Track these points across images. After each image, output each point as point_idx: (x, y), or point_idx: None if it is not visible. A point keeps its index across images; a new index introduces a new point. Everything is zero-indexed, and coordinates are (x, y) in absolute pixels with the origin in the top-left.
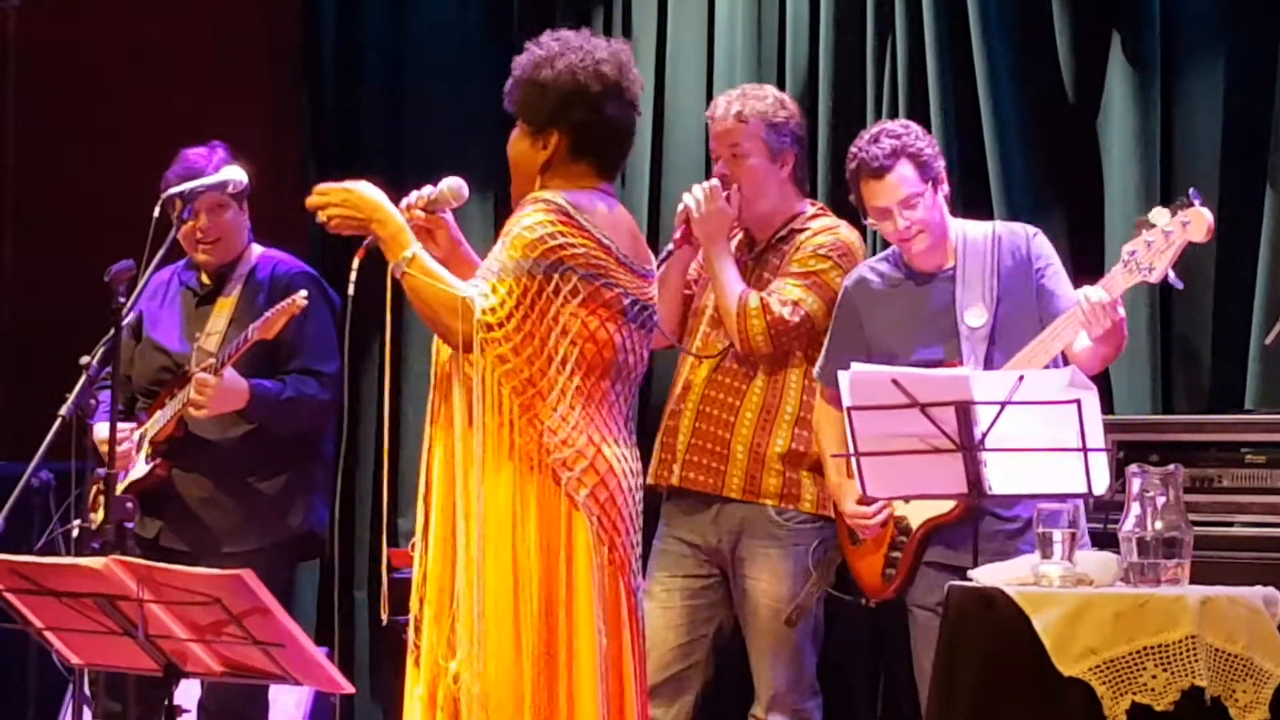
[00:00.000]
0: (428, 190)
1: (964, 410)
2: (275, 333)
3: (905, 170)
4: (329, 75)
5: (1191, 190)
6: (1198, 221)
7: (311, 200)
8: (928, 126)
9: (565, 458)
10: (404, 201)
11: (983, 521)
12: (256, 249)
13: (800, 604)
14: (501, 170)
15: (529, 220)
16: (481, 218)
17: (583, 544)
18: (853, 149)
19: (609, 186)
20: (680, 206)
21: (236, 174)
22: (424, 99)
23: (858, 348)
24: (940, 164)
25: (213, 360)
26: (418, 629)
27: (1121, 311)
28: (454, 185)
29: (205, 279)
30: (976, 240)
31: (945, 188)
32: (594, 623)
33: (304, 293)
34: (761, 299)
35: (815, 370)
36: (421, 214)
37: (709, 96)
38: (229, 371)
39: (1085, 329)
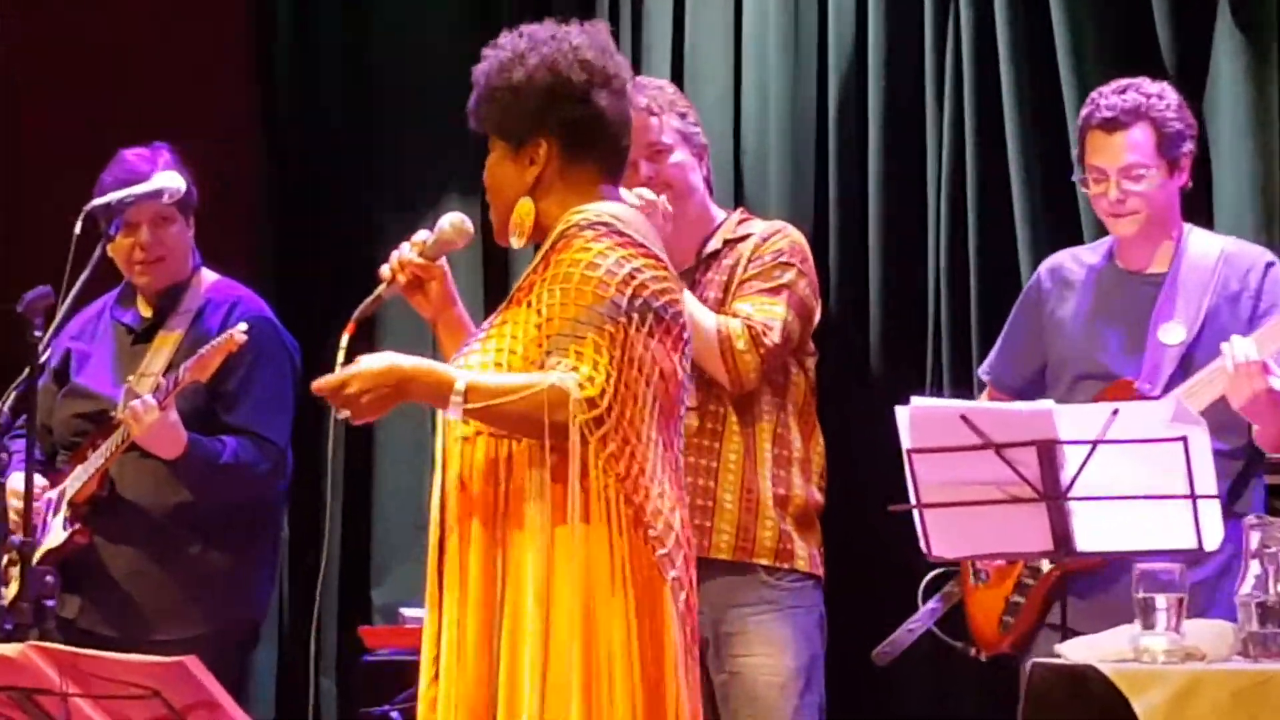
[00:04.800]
0: (423, 234)
1: (1048, 451)
2: (210, 373)
3: (1141, 135)
4: (284, 76)
5: None
6: None
7: (320, 392)
8: (999, 114)
9: (659, 533)
10: (395, 254)
11: (1116, 579)
12: (207, 275)
13: (894, 639)
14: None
15: (588, 256)
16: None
17: (671, 628)
18: (1093, 95)
19: (614, 190)
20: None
21: (173, 181)
22: (396, 102)
23: (1032, 352)
24: (1188, 148)
25: (157, 381)
26: None
27: (1275, 382)
28: (456, 222)
29: (144, 310)
30: (1201, 251)
31: (1186, 179)
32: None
33: (243, 326)
34: (747, 328)
35: (982, 369)
36: (419, 260)
37: (737, 92)
38: (173, 413)
39: (1229, 395)
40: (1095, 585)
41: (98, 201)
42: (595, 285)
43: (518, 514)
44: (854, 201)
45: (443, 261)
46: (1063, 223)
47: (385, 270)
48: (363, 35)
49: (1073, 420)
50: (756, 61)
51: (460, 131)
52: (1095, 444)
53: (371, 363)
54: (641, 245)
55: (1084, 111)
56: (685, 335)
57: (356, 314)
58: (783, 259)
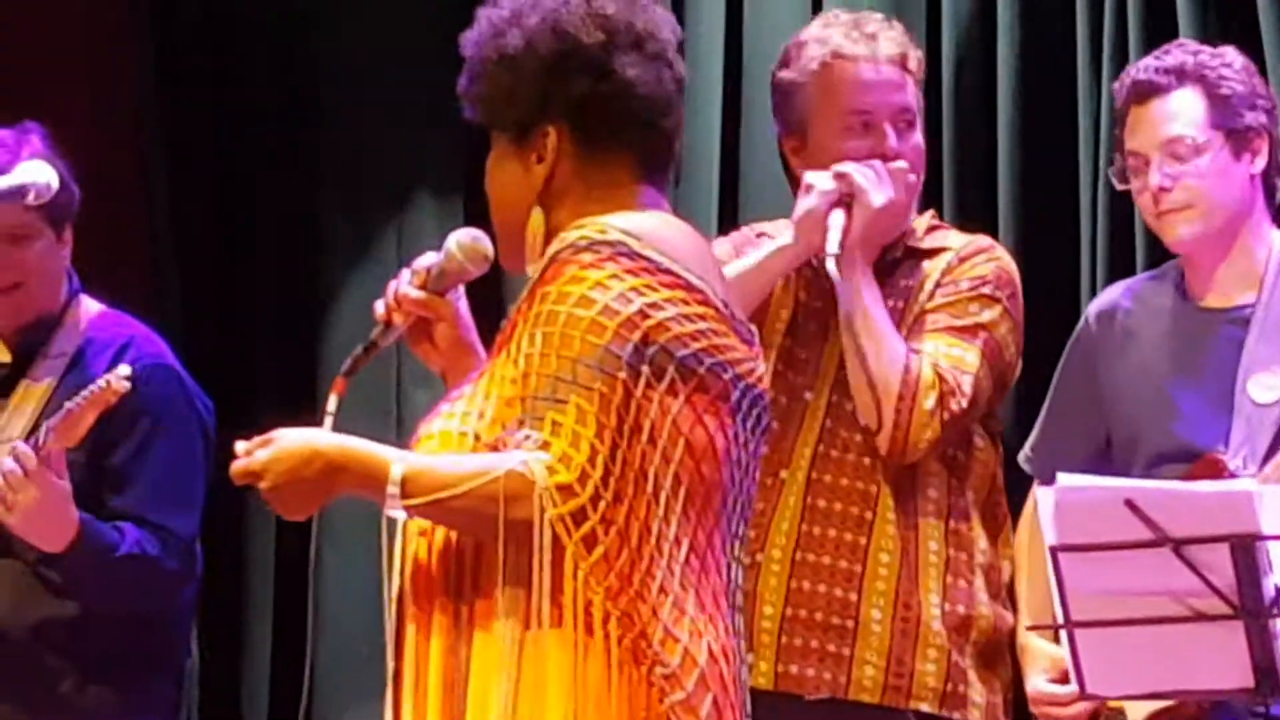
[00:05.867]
0: (427, 260)
1: (1246, 550)
2: (82, 434)
3: (1188, 100)
4: (188, 27)
5: None
6: None
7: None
8: None
9: (673, 670)
10: (391, 286)
11: None
12: (88, 307)
13: None
14: (472, 164)
15: (580, 288)
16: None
17: None
18: (1130, 67)
19: (658, 194)
20: (829, 187)
21: (42, 174)
22: (347, 66)
23: (1090, 422)
24: (1260, 122)
25: (43, 436)
26: None
27: None
28: (467, 243)
29: (1, 353)
30: None
31: (1262, 163)
32: None
33: (125, 369)
34: (939, 379)
35: (1023, 455)
36: (421, 295)
37: None
38: (63, 481)
39: None
40: None
41: None
42: (586, 328)
43: (485, 638)
44: (978, 218)
45: (457, 294)
46: None
47: (379, 308)
48: None
49: None
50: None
51: (435, 106)
52: None
53: (287, 444)
54: (668, 272)
55: (1117, 85)
56: (741, 396)
57: (345, 368)
58: (985, 289)
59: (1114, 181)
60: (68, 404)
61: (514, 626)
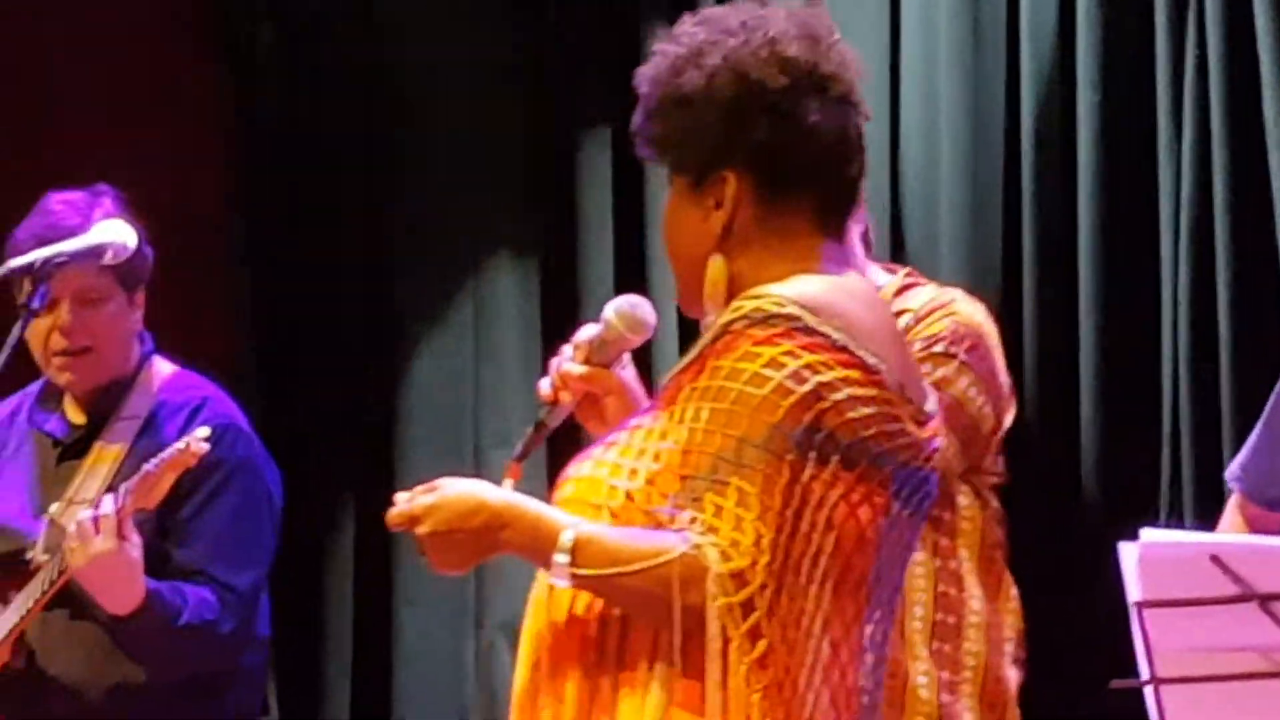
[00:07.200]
0: (587, 333)
1: None
2: (160, 497)
3: None
4: (267, 97)
5: None
6: None
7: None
8: (1260, 134)
9: None
10: (554, 363)
11: None
12: (161, 368)
13: None
14: (549, 228)
15: (753, 366)
16: (521, 317)
17: None
18: None
19: (840, 246)
20: None
21: (118, 234)
22: (422, 125)
23: None
24: None
25: (121, 498)
26: None
27: None
28: (626, 311)
29: (74, 415)
30: None
31: None
32: None
33: (204, 431)
34: None
35: (1231, 470)
36: (584, 370)
37: (894, 109)
38: (136, 545)
39: None
40: None
41: (15, 263)
42: (757, 406)
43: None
44: (1057, 260)
45: (622, 365)
46: None
47: (544, 387)
48: (373, 27)
49: None
50: (921, 64)
51: (513, 168)
52: None
53: (452, 492)
54: (843, 350)
55: None
56: (901, 485)
57: (517, 452)
58: (938, 348)
59: None
60: (146, 466)
61: (661, 700)
